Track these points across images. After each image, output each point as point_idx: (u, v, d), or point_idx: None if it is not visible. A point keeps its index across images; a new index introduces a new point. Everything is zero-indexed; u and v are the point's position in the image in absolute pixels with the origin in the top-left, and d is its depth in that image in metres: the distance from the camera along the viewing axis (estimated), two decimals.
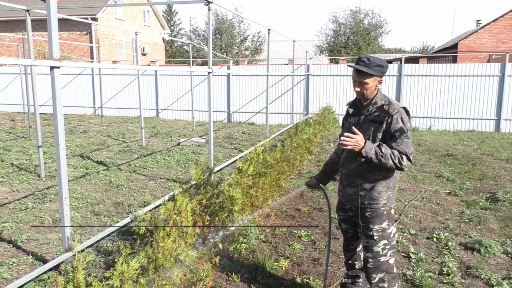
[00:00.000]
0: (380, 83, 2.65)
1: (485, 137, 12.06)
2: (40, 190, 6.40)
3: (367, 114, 2.69)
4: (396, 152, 2.54)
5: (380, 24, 34.10)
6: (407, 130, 2.58)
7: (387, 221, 2.72)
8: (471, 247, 4.33)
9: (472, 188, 6.65)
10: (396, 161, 2.53)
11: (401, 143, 2.56)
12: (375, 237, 2.72)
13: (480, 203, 5.82)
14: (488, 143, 10.88)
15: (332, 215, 3.20)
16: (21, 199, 5.98)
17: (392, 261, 2.78)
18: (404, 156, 2.55)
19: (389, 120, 2.59)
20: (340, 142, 2.52)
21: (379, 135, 2.62)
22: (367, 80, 2.58)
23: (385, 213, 2.71)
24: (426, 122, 13.97)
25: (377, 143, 2.58)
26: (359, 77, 2.60)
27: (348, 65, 2.81)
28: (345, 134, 2.50)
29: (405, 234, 4.71)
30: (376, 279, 2.76)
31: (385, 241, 2.73)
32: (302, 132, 7.71)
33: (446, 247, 4.32)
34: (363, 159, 2.54)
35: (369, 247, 2.75)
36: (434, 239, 4.54)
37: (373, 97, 2.68)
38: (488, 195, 6.16)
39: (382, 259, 2.73)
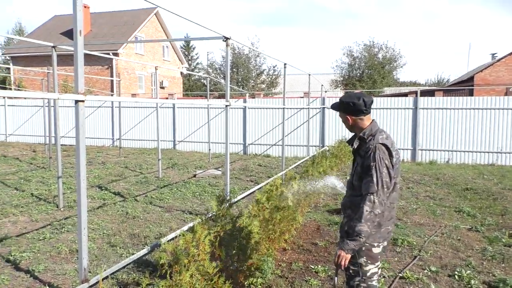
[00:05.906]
0: (350, 118, 2.72)
1: (506, 171, 11.81)
2: (58, 220, 6.48)
3: (355, 147, 2.75)
4: (362, 210, 2.47)
5: (395, 58, 34.42)
6: (374, 168, 2.51)
7: (364, 258, 2.65)
8: (495, 286, 4.18)
9: (494, 224, 6.47)
10: (368, 216, 2.45)
11: (364, 183, 2.55)
12: (350, 271, 2.69)
13: (503, 240, 5.64)
14: (509, 178, 10.63)
15: None
16: (39, 229, 6.05)
17: None
18: (366, 200, 2.47)
19: (366, 155, 2.61)
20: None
21: (360, 169, 2.66)
22: (339, 115, 2.83)
23: (363, 249, 2.63)
24: (444, 155, 13.79)
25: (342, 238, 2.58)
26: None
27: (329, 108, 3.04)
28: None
29: (426, 271, 4.58)
30: None
31: (360, 278, 2.65)
32: (319, 165, 7.69)
33: (469, 286, 4.18)
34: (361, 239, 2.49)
35: (347, 280, 2.77)
36: (456, 276, 4.40)
37: (362, 130, 2.72)
38: (511, 232, 5.98)
39: None
